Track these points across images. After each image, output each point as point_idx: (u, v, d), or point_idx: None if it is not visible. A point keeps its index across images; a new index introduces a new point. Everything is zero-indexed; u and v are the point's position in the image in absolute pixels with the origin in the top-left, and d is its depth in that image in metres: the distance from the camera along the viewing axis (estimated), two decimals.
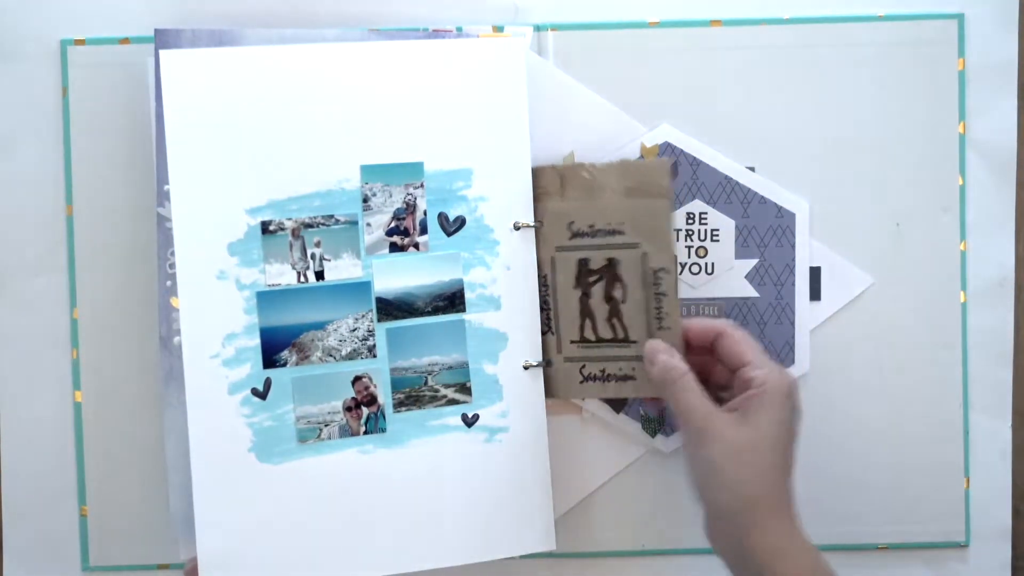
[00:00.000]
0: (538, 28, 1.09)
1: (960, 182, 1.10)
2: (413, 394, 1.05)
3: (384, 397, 1.04)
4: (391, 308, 1.04)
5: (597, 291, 1.05)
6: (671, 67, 1.09)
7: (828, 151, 1.10)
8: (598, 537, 1.11)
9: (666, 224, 1.02)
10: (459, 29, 1.07)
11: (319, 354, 1.03)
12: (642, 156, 1.09)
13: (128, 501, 1.10)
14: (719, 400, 0.97)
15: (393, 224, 1.04)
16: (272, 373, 1.02)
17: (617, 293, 1.04)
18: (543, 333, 1.07)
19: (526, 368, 1.06)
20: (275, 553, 1.02)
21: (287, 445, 1.02)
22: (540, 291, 1.06)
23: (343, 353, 1.03)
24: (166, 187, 1.01)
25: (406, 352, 1.04)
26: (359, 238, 1.03)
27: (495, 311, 1.06)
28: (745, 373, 0.96)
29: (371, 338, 1.04)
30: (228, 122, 1.01)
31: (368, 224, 1.03)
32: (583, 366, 1.06)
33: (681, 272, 1.10)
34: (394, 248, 1.04)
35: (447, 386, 1.05)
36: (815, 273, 1.10)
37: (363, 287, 1.03)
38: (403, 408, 1.05)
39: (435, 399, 1.05)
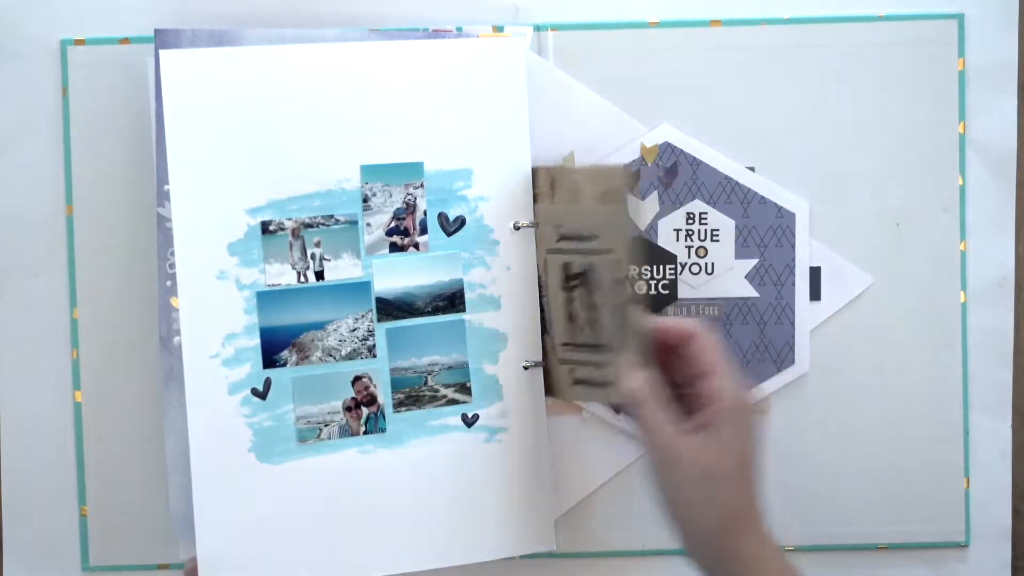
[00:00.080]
0: (538, 28, 1.08)
1: (960, 182, 1.10)
2: (413, 394, 1.04)
3: (384, 397, 1.04)
4: (391, 308, 1.04)
5: (578, 296, 1.04)
6: (671, 67, 1.09)
7: (828, 151, 1.10)
8: (598, 537, 1.11)
9: (623, 231, 1.02)
10: (459, 29, 1.07)
11: (319, 354, 1.03)
12: (642, 156, 1.09)
13: (128, 501, 1.10)
14: (680, 396, 0.95)
15: (393, 224, 1.04)
16: (272, 373, 1.02)
17: (595, 298, 1.03)
18: (542, 333, 1.07)
19: (526, 368, 1.06)
20: (275, 553, 1.02)
21: (287, 445, 1.02)
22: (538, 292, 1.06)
23: (343, 353, 1.03)
24: (166, 187, 1.01)
25: (406, 352, 1.04)
26: (359, 238, 1.03)
27: (495, 311, 1.06)
28: (709, 383, 0.94)
29: (371, 338, 1.04)
30: (228, 122, 1.01)
31: (368, 224, 1.03)
32: (572, 369, 1.06)
33: (681, 272, 1.10)
34: (394, 248, 1.04)
35: (447, 386, 1.05)
36: (815, 273, 1.10)
37: (363, 287, 1.03)
38: (403, 408, 1.04)
39: (435, 399, 1.05)
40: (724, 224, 1.09)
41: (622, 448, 1.11)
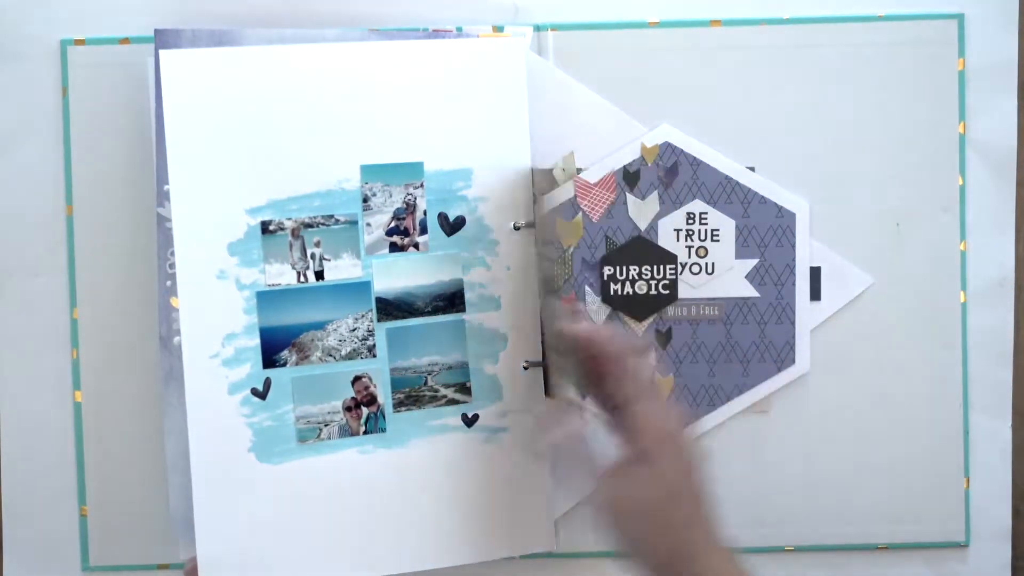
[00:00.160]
0: (538, 28, 1.08)
1: (960, 182, 1.10)
2: (413, 394, 1.04)
3: (384, 397, 1.04)
4: (391, 308, 1.03)
5: (544, 302, 1.05)
6: (671, 67, 1.09)
7: (828, 151, 1.09)
8: (598, 537, 1.10)
9: (542, 227, 1.03)
10: (459, 29, 1.07)
11: (319, 354, 1.02)
12: (642, 156, 1.09)
13: (128, 501, 1.09)
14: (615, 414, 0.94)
15: (393, 224, 1.03)
16: (272, 373, 1.02)
17: (548, 306, 1.04)
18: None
19: (526, 368, 1.06)
20: (275, 553, 1.02)
21: (287, 445, 1.02)
22: None
23: (343, 353, 1.03)
24: (166, 187, 1.00)
25: (406, 352, 1.04)
26: (359, 238, 1.03)
27: (495, 311, 1.05)
28: (637, 412, 0.92)
29: (371, 338, 1.03)
30: (228, 122, 1.01)
31: (368, 224, 1.03)
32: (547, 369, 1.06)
33: (681, 272, 1.09)
34: (394, 248, 1.03)
35: (447, 386, 1.05)
36: (815, 273, 1.10)
37: (363, 287, 1.03)
38: (403, 408, 1.04)
39: (435, 399, 1.05)
40: (724, 224, 1.09)
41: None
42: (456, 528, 1.05)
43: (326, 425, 1.03)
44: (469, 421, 1.05)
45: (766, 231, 1.09)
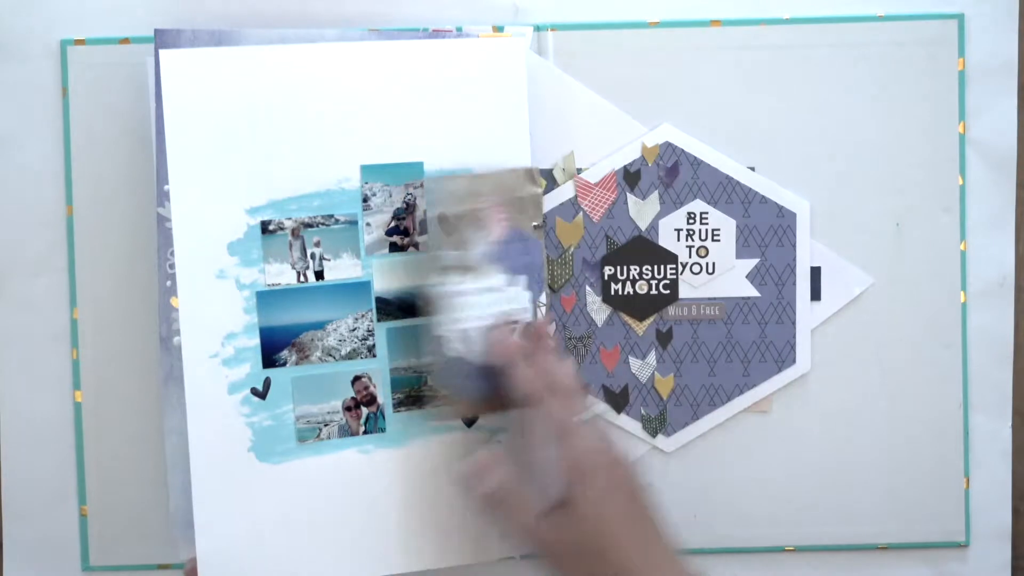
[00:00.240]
0: (538, 28, 1.07)
1: (960, 182, 1.09)
2: (413, 394, 1.04)
3: (384, 397, 1.03)
4: (391, 308, 1.03)
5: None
6: (671, 67, 1.08)
7: (828, 151, 1.09)
8: None
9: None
10: (459, 29, 1.06)
11: (319, 354, 1.02)
12: (642, 156, 1.08)
13: (128, 501, 1.09)
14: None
15: (393, 224, 1.03)
16: (272, 373, 1.01)
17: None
18: None
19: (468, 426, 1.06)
20: (274, 553, 1.01)
21: (286, 445, 1.01)
22: None
23: (343, 353, 1.02)
24: (166, 187, 1.00)
25: (406, 352, 1.03)
26: (359, 238, 1.02)
27: None
28: (556, 451, 0.93)
29: (371, 338, 1.03)
30: (228, 122, 1.00)
31: (368, 224, 1.02)
32: None
33: (682, 272, 1.09)
34: (394, 248, 1.03)
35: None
36: (815, 273, 1.09)
37: (363, 287, 1.02)
38: (403, 408, 1.03)
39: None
40: (725, 224, 1.09)
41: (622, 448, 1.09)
42: (456, 528, 1.04)
43: (326, 425, 1.02)
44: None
45: (766, 231, 1.09)
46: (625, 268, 1.09)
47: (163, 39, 1.00)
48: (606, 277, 1.09)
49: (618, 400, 1.10)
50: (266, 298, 1.01)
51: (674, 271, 1.09)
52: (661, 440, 1.10)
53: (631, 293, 1.09)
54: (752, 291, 1.09)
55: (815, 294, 1.09)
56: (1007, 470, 1.11)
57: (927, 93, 1.09)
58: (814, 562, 1.11)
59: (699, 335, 1.09)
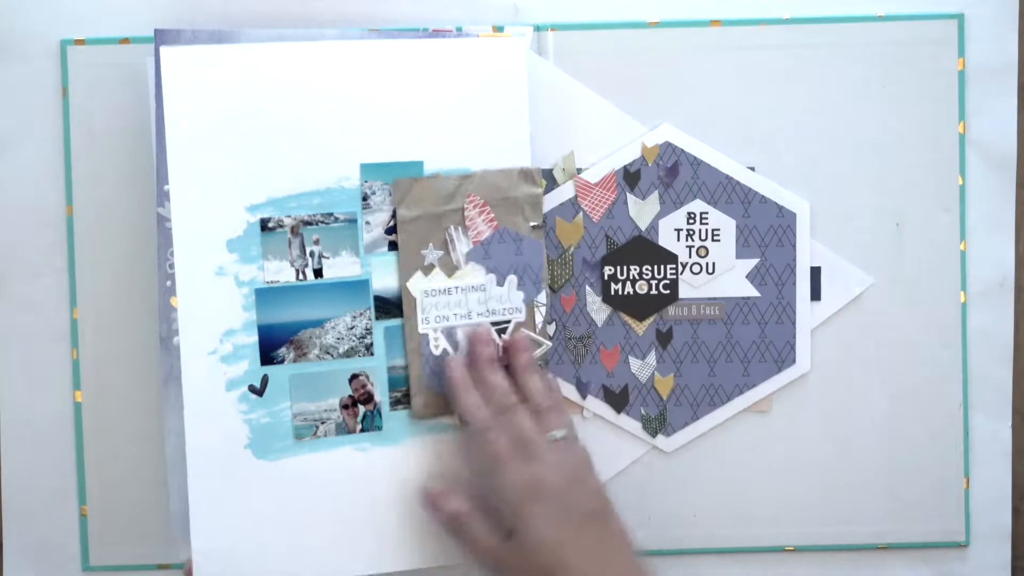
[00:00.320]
0: (538, 28, 1.07)
1: (960, 182, 1.08)
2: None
3: (381, 395, 1.02)
4: (389, 306, 1.02)
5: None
6: (671, 67, 1.08)
7: (828, 151, 1.08)
8: None
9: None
10: (459, 29, 1.06)
11: (316, 351, 1.01)
12: (642, 156, 1.07)
13: (128, 501, 1.08)
14: None
15: (392, 223, 1.02)
16: (269, 370, 1.00)
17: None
18: None
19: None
20: (270, 549, 1.01)
21: (283, 442, 1.01)
22: None
23: (340, 351, 1.01)
24: (166, 187, 0.99)
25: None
26: (358, 236, 1.01)
27: None
28: (494, 489, 0.96)
29: (369, 336, 1.02)
30: (228, 119, 0.99)
31: (367, 222, 1.01)
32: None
33: (682, 272, 1.08)
34: (393, 246, 1.02)
35: None
36: (815, 273, 1.08)
37: (361, 285, 1.01)
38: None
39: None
40: (725, 224, 1.08)
41: (622, 448, 1.09)
42: None
43: (323, 422, 1.01)
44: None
45: (766, 231, 1.08)
46: (625, 268, 1.08)
47: (163, 39, 0.99)
48: (606, 277, 1.08)
49: (618, 400, 1.09)
50: (265, 295, 1.00)
51: (674, 271, 1.08)
52: (661, 440, 1.09)
53: (631, 293, 1.08)
54: (752, 291, 1.08)
55: (815, 294, 1.08)
56: (1007, 470, 1.10)
57: (927, 93, 1.08)
58: (814, 562, 1.10)
59: (699, 335, 1.09)
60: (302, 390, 1.01)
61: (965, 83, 1.08)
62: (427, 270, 1.01)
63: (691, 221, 1.08)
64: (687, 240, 1.08)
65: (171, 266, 1.00)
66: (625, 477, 1.09)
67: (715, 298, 1.08)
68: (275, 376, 1.00)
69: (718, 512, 1.09)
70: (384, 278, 1.02)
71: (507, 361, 1.01)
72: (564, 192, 1.07)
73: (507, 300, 1.03)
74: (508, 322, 1.03)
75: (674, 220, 1.08)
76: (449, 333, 1.02)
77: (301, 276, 1.00)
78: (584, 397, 1.09)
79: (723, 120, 1.08)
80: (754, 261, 1.08)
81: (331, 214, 1.01)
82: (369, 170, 1.01)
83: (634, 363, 1.08)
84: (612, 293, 1.08)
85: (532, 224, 1.04)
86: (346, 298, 1.01)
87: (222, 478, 1.00)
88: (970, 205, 1.09)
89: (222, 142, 0.99)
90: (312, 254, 1.00)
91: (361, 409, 1.02)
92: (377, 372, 1.02)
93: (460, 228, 1.02)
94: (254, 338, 1.00)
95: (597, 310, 1.08)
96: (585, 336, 1.08)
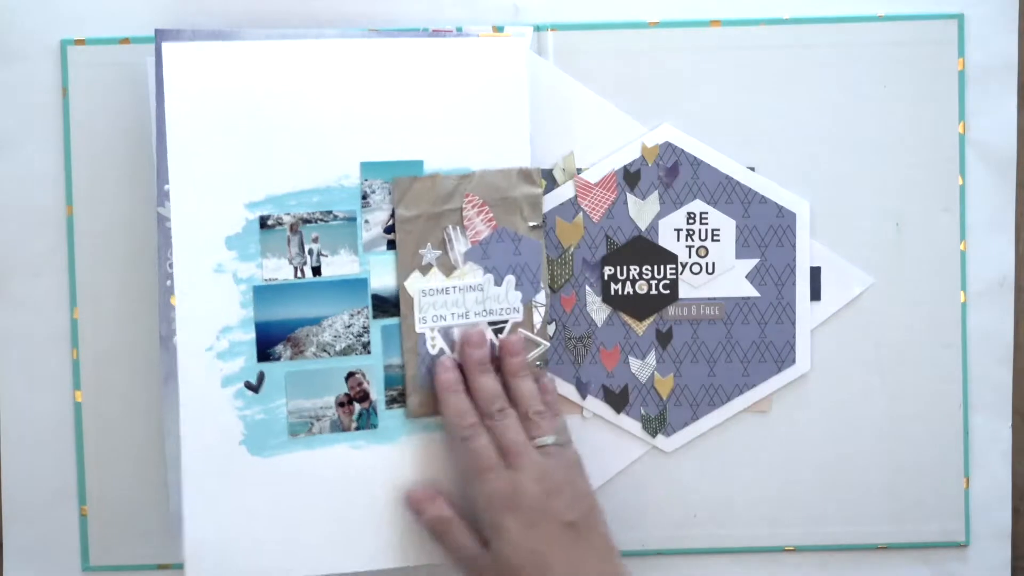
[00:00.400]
0: (538, 28, 1.05)
1: (960, 182, 1.07)
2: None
3: (377, 394, 1.01)
4: (387, 305, 1.01)
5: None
6: (671, 67, 1.06)
7: (828, 151, 1.07)
8: None
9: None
10: (459, 29, 1.04)
11: (313, 349, 1.00)
12: (642, 156, 1.06)
13: (128, 501, 1.07)
14: None
15: (391, 222, 1.01)
16: (266, 367, 0.99)
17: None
18: None
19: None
20: (263, 545, 1.00)
21: (278, 439, 1.00)
22: None
23: (337, 349, 1.00)
24: (166, 187, 0.98)
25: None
26: (357, 235, 1.00)
27: None
28: (473, 496, 0.97)
29: (366, 335, 1.01)
30: (229, 116, 0.98)
31: (366, 221, 1.00)
32: None
33: (682, 272, 1.07)
34: (391, 245, 1.01)
35: None
36: (815, 273, 1.07)
37: (359, 284, 1.00)
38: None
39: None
40: (725, 224, 1.07)
41: (622, 448, 1.08)
42: None
43: (318, 420, 1.00)
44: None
45: (766, 231, 1.07)
46: (625, 268, 1.07)
47: (164, 39, 0.98)
48: (606, 277, 1.07)
49: (618, 400, 1.08)
50: (263, 293, 0.99)
51: (674, 271, 1.07)
52: (661, 440, 1.08)
53: (631, 293, 1.07)
54: (752, 291, 1.07)
55: (815, 294, 1.08)
56: (1007, 470, 1.09)
57: (927, 93, 1.07)
58: (814, 562, 1.09)
59: (699, 335, 1.08)
60: (298, 387, 1.00)
61: (965, 83, 1.07)
62: (425, 270, 1.01)
63: (691, 221, 1.07)
64: (687, 240, 1.07)
65: (171, 266, 0.99)
66: (625, 477, 1.08)
67: (715, 298, 1.07)
68: (271, 373, 0.99)
69: (718, 512, 1.08)
70: (382, 277, 1.01)
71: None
72: (564, 192, 1.06)
73: (504, 300, 1.02)
74: (505, 322, 1.02)
75: (674, 220, 1.07)
76: (446, 333, 1.01)
77: (299, 274, 0.99)
78: (584, 397, 1.08)
79: (723, 120, 1.07)
80: (754, 261, 1.07)
81: (330, 212, 1.00)
82: (369, 169, 1.00)
83: (634, 363, 1.07)
84: (612, 293, 1.07)
85: (531, 224, 1.03)
86: (344, 296, 1.00)
87: (216, 474, 0.99)
88: (970, 205, 1.08)
89: (223, 139, 0.98)
90: (311, 252, 0.99)
91: (357, 407, 1.01)
92: (373, 370, 1.01)
93: (458, 228, 1.01)
94: (251, 335, 0.99)
95: (597, 310, 1.07)
96: (585, 336, 1.07)
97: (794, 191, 1.07)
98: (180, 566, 1.01)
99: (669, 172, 1.06)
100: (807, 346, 1.07)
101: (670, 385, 1.08)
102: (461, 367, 1.00)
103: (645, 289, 1.07)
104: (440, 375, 0.99)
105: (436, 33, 1.04)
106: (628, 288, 1.07)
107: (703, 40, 1.06)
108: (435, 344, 1.01)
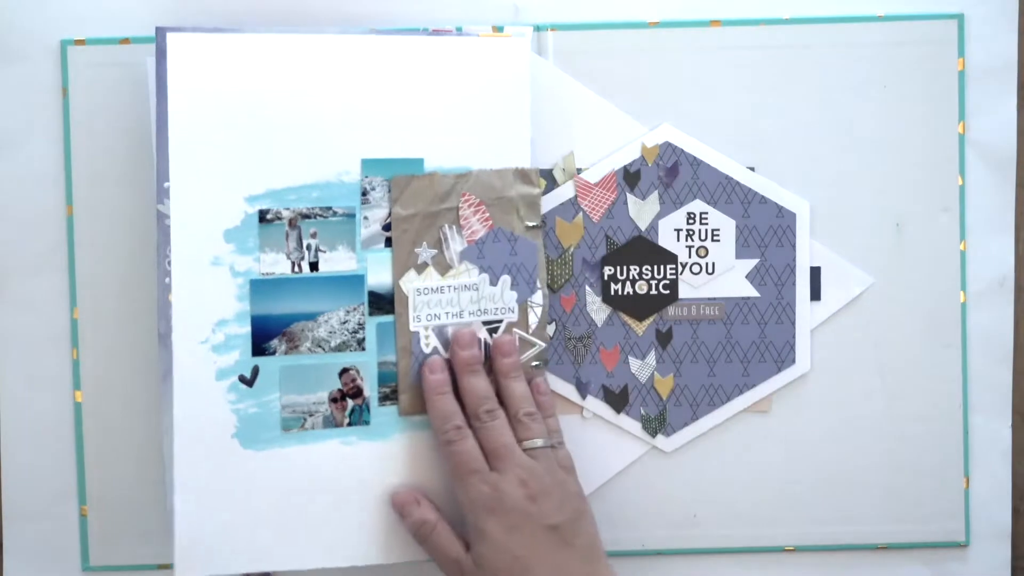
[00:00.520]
0: (538, 28, 1.04)
1: (960, 182, 1.06)
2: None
3: (370, 390, 1.00)
4: (383, 303, 0.99)
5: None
6: (671, 67, 1.05)
7: (828, 151, 1.05)
8: None
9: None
10: (459, 29, 1.03)
11: (308, 344, 0.98)
12: (642, 156, 1.05)
13: (128, 501, 1.05)
14: None
15: (389, 219, 0.99)
16: (260, 361, 0.98)
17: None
18: None
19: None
20: (252, 539, 0.98)
21: (271, 432, 0.98)
22: None
23: (332, 345, 0.99)
24: (166, 184, 0.96)
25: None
26: (356, 231, 0.99)
27: None
28: (459, 493, 0.97)
29: (361, 331, 0.99)
30: (231, 109, 0.96)
31: (365, 218, 0.99)
32: None
33: (682, 272, 1.05)
34: (389, 243, 0.99)
35: None
36: (815, 273, 1.06)
37: (356, 280, 0.99)
38: (388, 402, 1.00)
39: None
40: (725, 224, 1.05)
41: (622, 448, 1.07)
42: None
43: (311, 415, 0.99)
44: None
45: (766, 231, 1.05)
46: (625, 268, 1.05)
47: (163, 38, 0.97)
48: (606, 277, 1.05)
49: (618, 400, 1.06)
50: (259, 287, 0.97)
51: (674, 271, 1.06)
52: (661, 440, 1.06)
53: (631, 293, 1.06)
54: (752, 291, 1.06)
55: (815, 294, 1.06)
56: (1007, 470, 1.08)
57: (927, 93, 1.05)
58: (814, 562, 1.08)
59: (699, 335, 1.06)
60: (292, 382, 0.98)
61: (965, 83, 1.05)
62: (420, 268, 0.99)
63: (691, 221, 1.05)
64: (687, 240, 1.05)
65: (170, 264, 0.97)
66: (625, 477, 1.07)
67: (715, 298, 1.06)
68: (266, 367, 0.98)
69: (718, 512, 1.07)
70: (379, 274, 0.99)
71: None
72: (564, 192, 1.05)
73: (500, 300, 1.01)
74: (500, 322, 1.01)
75: (674, 220, 1.05)
76: (440, 332, 1.00)
77: (297, 269, 0.98)
78: (584, 397, 1.06)
79: (723, 120, 1.05)
80: (754, 261, 1.06)
81: (330, 208, 0.98)
82: (369, 165, 0.99)
83: (634, 363, 1.06)
84: (612, 293, 1.05)
85: (528, 224, 1.02)
86: (340, 292, 0.99)
87: (208, 467, 0.97)
88: (970, 205, 1.06)
89: (224, 131, 0.96)
90: (309, 247, 0.98)
91: (350, 403, 1.00)
92: (367, 367, 1.00)
93: (455, 227, 1.00)
94: (247, 329, 0.97)
95: (597, 310, 1.06)
96: (585, 336, 1.06)
97: (794, 191, 1.05)
98: None
99: (669, 172, 1.05)
100: (807, 346, 1.06)
101: (670, 385, 1.06)
102: (452, 367, 0.99)
103: (645, 289, 1.05)
104: (427, 376, 0.98)
105: (436, 33, 1.02)
106: (628, 288, 1.05)
107: (703, 40, 1.05)
108: (429, 343, 0.99)
